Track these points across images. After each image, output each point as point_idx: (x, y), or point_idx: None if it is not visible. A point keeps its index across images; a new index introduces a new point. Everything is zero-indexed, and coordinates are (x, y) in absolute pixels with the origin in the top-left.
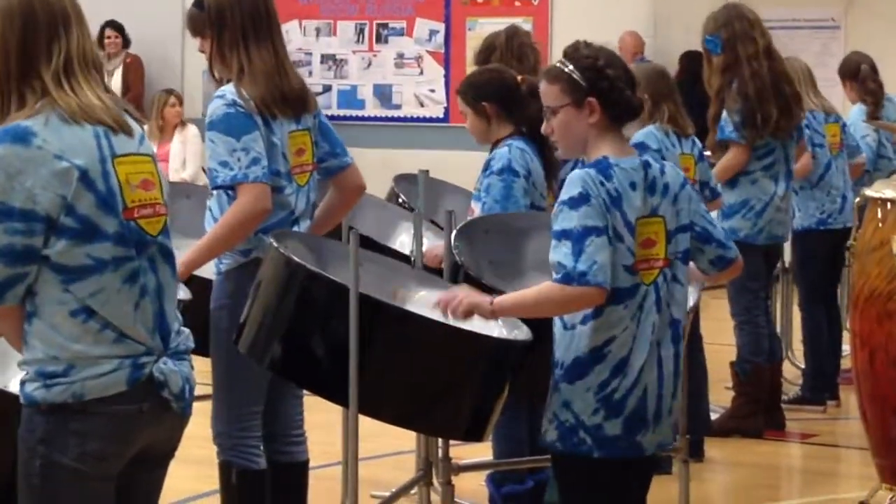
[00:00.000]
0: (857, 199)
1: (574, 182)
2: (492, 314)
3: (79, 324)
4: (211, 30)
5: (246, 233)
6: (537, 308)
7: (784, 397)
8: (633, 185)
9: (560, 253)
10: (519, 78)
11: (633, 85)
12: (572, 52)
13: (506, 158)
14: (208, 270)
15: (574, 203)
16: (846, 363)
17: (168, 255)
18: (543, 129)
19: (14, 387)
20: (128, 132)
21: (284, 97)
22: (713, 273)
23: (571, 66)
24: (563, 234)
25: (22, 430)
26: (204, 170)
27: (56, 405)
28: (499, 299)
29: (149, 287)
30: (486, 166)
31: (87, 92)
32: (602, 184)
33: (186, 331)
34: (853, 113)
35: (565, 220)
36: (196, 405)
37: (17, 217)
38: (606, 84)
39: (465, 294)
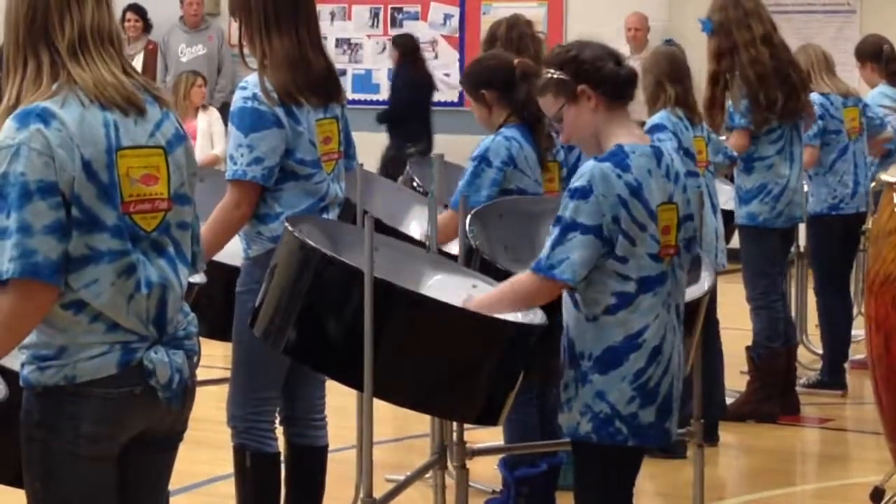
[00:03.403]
0: (873, 184)
1: (584, 173)
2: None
3: (69, 316)
4: (239, 14)
5: (228, 236)
6: (516, 301)
7: (801, 381)
8: (649, 172)
9: (548, 240)
10: (515, 61)
11: (616, 57)
12: (548, 58)
13: (483, 147)
14: (225, 255)
15: (574, 194)
16: (860, 348)
17: (161, 251)
18: (562, 139)
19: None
20: (141, 113)
21: (308, 85)
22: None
23: (552, 70)
24: (557, 221)
25: (22, 413)
26: None
27: (50, 388)
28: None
29: (147, 280)
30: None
31: (101, 67)
32: (619, 177)
33: (191, 315)
34: (874, 95)
35: (563, 207)
36: (213, 389)
37: (57, 192)
38: (588, 66)
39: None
